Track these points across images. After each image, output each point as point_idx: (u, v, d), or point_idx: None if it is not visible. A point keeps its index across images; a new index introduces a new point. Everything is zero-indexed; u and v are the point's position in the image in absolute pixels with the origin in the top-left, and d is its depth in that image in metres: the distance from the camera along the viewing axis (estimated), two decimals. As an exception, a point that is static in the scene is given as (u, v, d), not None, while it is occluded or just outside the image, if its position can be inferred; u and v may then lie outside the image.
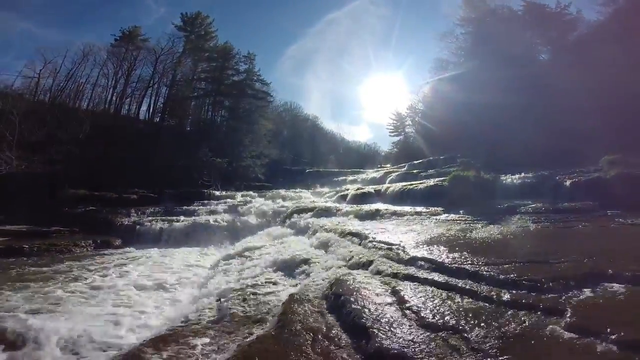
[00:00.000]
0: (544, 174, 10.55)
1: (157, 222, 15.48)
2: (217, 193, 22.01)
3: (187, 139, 29.24)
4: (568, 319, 2.96)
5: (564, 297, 3.41)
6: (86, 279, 8.09)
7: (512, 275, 4.08)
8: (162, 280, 8.18)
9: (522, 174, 11.05)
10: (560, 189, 9.28)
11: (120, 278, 8.32)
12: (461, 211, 9.39)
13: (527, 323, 3.09)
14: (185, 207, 18.16)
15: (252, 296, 5.74)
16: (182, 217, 16.13)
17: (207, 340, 4.17)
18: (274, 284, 6.56)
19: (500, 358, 2.63)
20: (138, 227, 14.99)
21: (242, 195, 20.79)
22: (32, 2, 58.68)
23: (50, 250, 11.04)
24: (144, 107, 34.55)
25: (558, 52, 21.68)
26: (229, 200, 19.93)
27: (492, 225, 7.32)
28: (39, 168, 18.63)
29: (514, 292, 3.72)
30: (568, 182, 9.24)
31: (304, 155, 42.68)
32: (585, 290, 3.48)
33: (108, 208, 17.26)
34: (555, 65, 19.57)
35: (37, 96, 28.77)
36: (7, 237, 11.95)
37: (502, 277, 4.12)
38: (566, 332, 2.79)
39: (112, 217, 15.96)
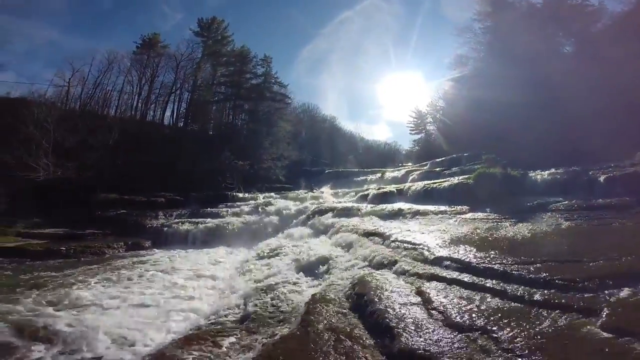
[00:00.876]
0: (575, 170, 9.98)
1: (183, 224, 15.97)
2: (240, 195, 22.42)
3: (209, 143, 29.95)
4: (604, 319, 2.83)
5: (599, 297, 3.26)
6: (120, 280, 8.36)
7: (543, 275, 3.92)
8: (189, 281, 8.37)
9: (553, 170, 10.53)
10: (594, 185, 8.74)
11: (151, 279, 8.57)
12: (488, 209, 9.09)
13: (560, 323, 2.97)
14: (210, 209, 18.62)
15: (275, 296, 5.83)
16: (207, 219, 16.56)
17: (232, 339, 4.25)
18: (297, 284, 6.65)
19: (531, 358, 2.54)
20: (166, 229, 15.52)
21: (264, 197, 21.06)
22: (52, 10, 62.17)
23: (85, 252, 11.64)
24: (167, 113, 36.00)
25: (581, 45, 20.57)
26: (251, 202, 20.26)
27: (521, 224, 7.05)
28: (73, 174, 19.67)
29: (546, 291, 3.58)
30: (602, 178, 8.72)
31: (323, 156, 42.67)
32: (623, 289, 3.30)
33: (137, 211, 17.96)
34: (579, 59, 18.61)
35: (68, 104, 30.43)
36: (46, 240, 12.68)
37: (533, 276, 3.97)
38: (602, 333, 2.67)
39: (141, 219, 16.61)
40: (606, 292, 3.33)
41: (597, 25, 21.06)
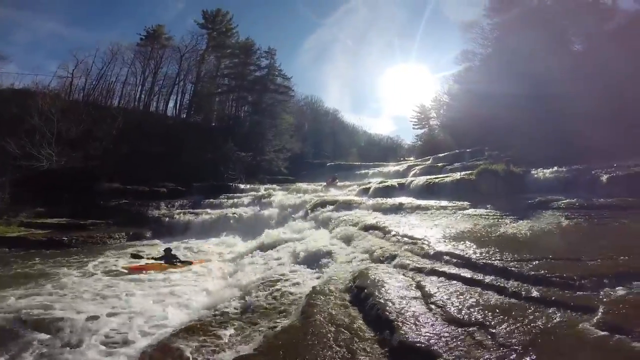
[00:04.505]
0: (578, 168, 9.95)
1: (185, 214, 16.07)
2: (242, 186, 22.55)
3: (213, 134, 30.03)
4: (600, 317, 2.87)
5: (596, 295, 3.30)
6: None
7: (542, 272, 3.97)
8: (190, 273, 8.46)
9: (555, 168, 10.51)
10: (596, 184, 8.72)
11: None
12: (489, 206, 9.11)
13: (556, 320, 3.02)
14: (211, 200, 18.74)
15: (275, 288, 5.88)
16: (208, 210, 16.68)
17: (232, 331, 4.31)
18: (297, 276, 6.67)
19: (526, 354, 2.59)
20: (167, 219, 15.63)
21: (265, 189, 21.14)
22: (54, 2, 61.52)
23: (87, 242, 11.73)
24: (171, 104, 36.17)
25: (591, 43, 20.27)
26: (252, 193, 20.36)
27: (521, 221, 7.08)
28: (78, 163, 19.80)
29: (543, 288, 3.62)
30: (605, 177, 8.70)
31: (325, 149, 42.75)
32: (618, 288, 3.35)
33: (140, 201, 18.10)
34: (588, 58, 18.38)
35: (71, 95, 30.54)
36: (49, 230, 12.77)
37: (531, 273, 4.02)
38: (597, 330, 2.71)
39: (143, 209, 16.74)
40: (602, 290, 3.37)
41: (610, 24, 20.70)
